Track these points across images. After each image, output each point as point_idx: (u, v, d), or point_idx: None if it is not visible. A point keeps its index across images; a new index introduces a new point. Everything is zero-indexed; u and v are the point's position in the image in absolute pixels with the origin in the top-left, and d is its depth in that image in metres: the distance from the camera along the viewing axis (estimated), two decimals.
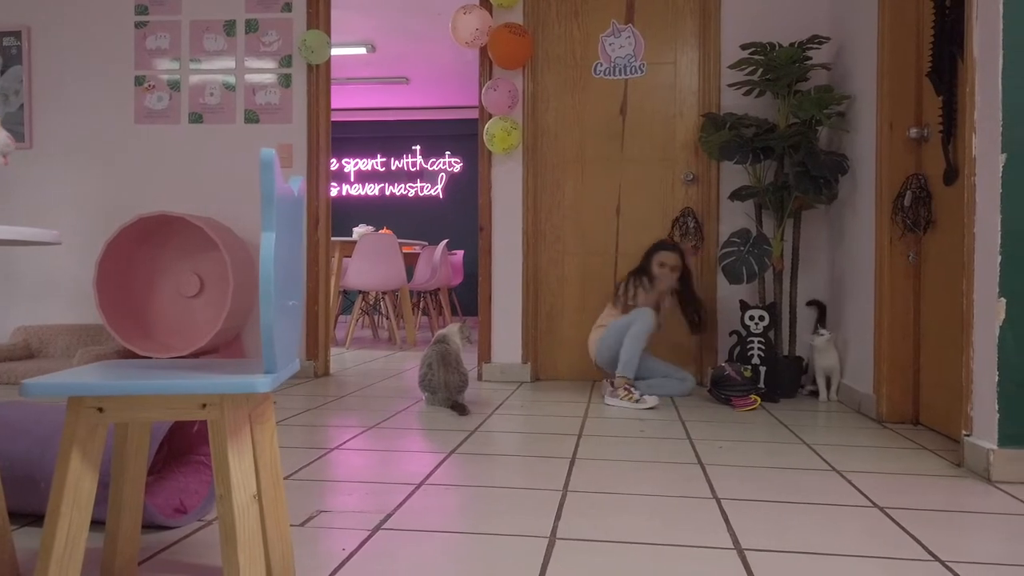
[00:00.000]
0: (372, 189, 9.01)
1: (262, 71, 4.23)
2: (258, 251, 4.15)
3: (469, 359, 3.92)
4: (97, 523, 1.63)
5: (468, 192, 8.83)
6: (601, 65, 4.06)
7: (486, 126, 3.97)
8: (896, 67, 2.98)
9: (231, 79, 4.25)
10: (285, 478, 2.09)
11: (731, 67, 3.69)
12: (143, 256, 3.94)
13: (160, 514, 1.63)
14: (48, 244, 1.43)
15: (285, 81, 4.22)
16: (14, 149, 1.37)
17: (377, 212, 8.85)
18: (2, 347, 3.90)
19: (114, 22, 4.30)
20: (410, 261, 6.48)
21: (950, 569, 1.45)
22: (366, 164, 9.02)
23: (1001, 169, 2.09)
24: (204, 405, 1.15)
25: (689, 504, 1.86)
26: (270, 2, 4.23)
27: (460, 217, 8.84)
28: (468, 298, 8.59)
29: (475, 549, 1.56)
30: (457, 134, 8.84)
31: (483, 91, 3.99)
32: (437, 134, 8.91)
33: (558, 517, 1.75)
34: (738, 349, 3.39)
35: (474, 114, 8.68)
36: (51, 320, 4.25)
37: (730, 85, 3.75)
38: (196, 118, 4.27)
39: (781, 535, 1.64)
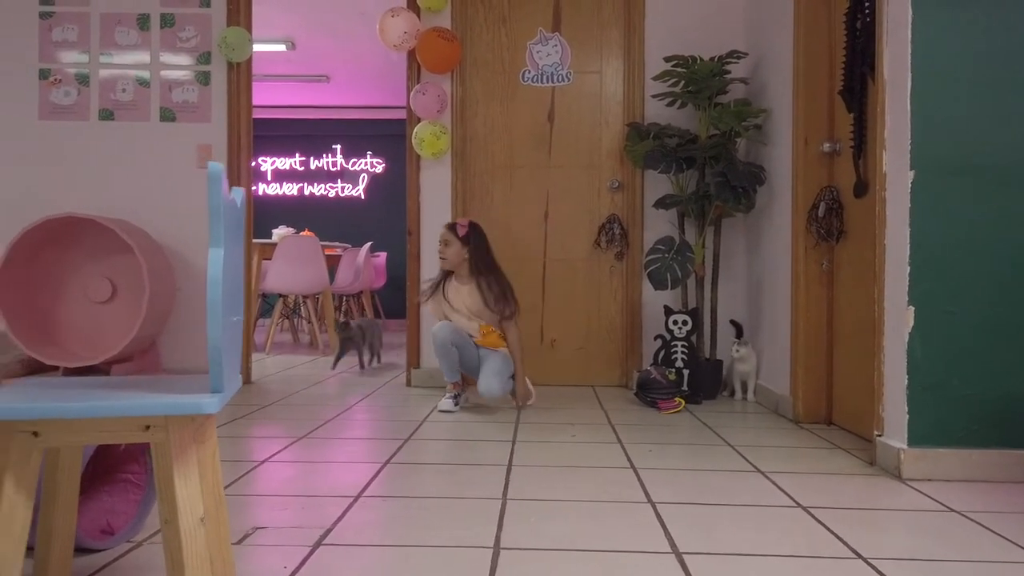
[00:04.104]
0: (291, 189, 8.79)
1: (179, 67, 4.07)
2: (175, 255, 3.99)
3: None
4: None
5: (390, 193, 8.74)
6: (529, 72, 4.10)
7: (415, 130, 3.95)
8: (810, 84, 3.14)
9: (145, 74, 4.06)
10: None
11: (655, 78, 3.79)
12: (48, 259, 3.72)
13: (87, 537, 1.55)
14: None
15: (203, 79, 4.07)
16: None
17: (296, 212, 8.64)
18: None
19: (15, 11, 4.04)
20: (331, 263, 6.36)
21: (873, 567, 1.54)
22: (284, 163, 8.80)
23: (910, 185, 2.23)
24: (148, 427, 1.11)
25: (626, 509, 1.91)
26: None
27: (382, 218, 8.74)
28: (390, 301, 8.50)
29: (421, 562, 1.55)
30: (379, 134, 8.73)
31: (411, 95, 3.96)
32: (359, 134, 8.78)
33: (500, 526, 1.77)
34: (663, 353, 3.49)
35: (397, 115, 8.60)
36: None
37: (654, 96, 3.85)
38: (107, 115, 4.06)
39: (715, 537, 1.70)
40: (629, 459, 2.42)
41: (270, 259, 5.54)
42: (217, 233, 1.13)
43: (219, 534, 1.31)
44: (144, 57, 4.06)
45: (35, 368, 3.67)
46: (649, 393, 3.33)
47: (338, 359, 4.68)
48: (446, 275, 3.44)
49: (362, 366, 4.66)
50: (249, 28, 4.11)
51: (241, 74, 4.09)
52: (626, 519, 1.83)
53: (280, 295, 5.84)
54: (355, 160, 8.83)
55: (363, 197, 8.85)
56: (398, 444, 2.63)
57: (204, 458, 1.29)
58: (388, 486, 2.11)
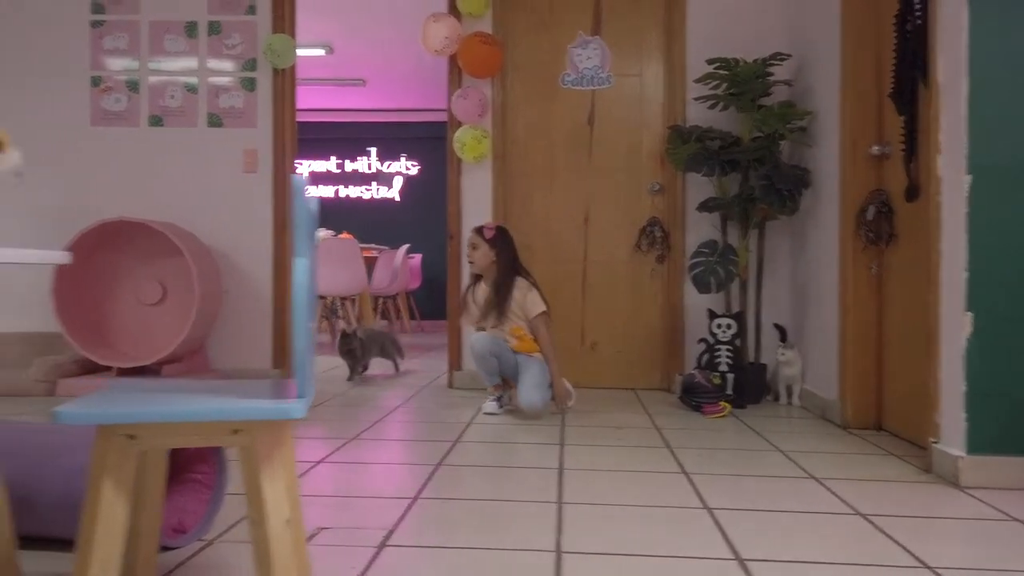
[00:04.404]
0: (326, 191, 8.89)
1: (225, 74, 4.15)
2: (221, 258, 4.06)
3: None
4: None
5: (424, 195, 8.80)
6: (569, 75, 4.12)
7: (456, 134, 3.98)
8: (858, 86, 3.11)
9: (193, 81, 4.15)
10: None
11: (697, 81, 3.78)
12: (102, 262, 3.82)
13: (162, 535, 1.60)
14: (57, 264, 1.39)
15: (249, 84, 4.15)
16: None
17: (331, 214, 8.73)
18: None
19: (69, 21, 4.15)
20: (367, 264, 6.43)
21: None
22: (320, 166, 8.90)
23: (967, 190, 2.21)
24: (236, 431, 1.14)
25: (683, 514, 1.92)
26: (234, 4, 4.15)
27: (417, 220, 8.80)
28: (426, 302, 8.56)
29: (487, 565, 1.57)
30: (414, 137, 8.79)
31: (453, 99, 4.00)
32: (393, 136, 8.85)
33: (559, 530, 1.78)
34: (707, 357, 3.48)
35: (432, 117, 8.65)
36: (2, 329, 4.07)
37: (696, 98, 3.84)
38: (156, 121, 4.15)
39: (776, 544, 1.70)
40: (680, 464, 2.43)
41: None
42: (302, 243, 1.16)
43: (297, 535, 1.34)
44: (192, 64, 4.15)
45: (89, 368, 3.77)
46: (694, 397, 3.32)
47: (353, 372, 4.28)
48: (476, 279, 3.46)
49: (350, 378, 4.25)
50: (293, 34, 4.18)
51: (286, 80, 4.16)
52: (684, 524, 1.83)
53: (319, 296, 5.92)
54: (390, 162, 8.91)
55: (398, 199, 8.91)
56: (447, 446, 2.66)
57: (284, 461, 1.32)
58: (443, 488, 2.14)
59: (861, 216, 3.03)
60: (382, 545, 1.69)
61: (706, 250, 3.50)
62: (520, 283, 3.33)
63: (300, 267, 1.16)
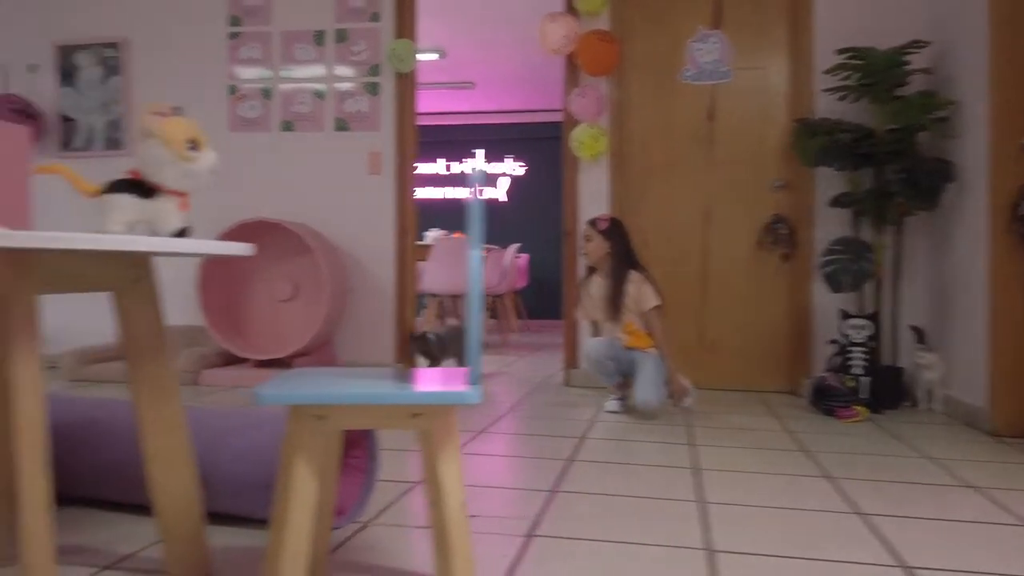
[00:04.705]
0: (434, 192, 9.09)
1: (350, 79, 4.31)
2: (346, 257, 4.22)
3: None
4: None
5: (531, 195, 8.86)
6: (688, 71, 4.05)
7: (573, 132, 3.99)
8: (1008, 75, 2.92)
9: (321, 87, 4.34)
10: (419, 483, 2.13)
11: (827, 72, 3.64)
12: (239, 260, 4.05)
13: None
14: (241, 255, 1.48)
15: (372, 89, 4.29)
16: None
17: (440, 215, 8.93)
18: (114, 347, 4.04)
19: (208, 33, 4.42)
20: None
21: None
22: (429, 168, 9.11)
23: None
24: (415, 415, 1.19)
25: (833, 519, 1.85)
26: (359, 12, 4.31)
27: (523, 220, 8.87)
28: (532, 301, 8.61)
29: (639, 559, 1.57)
30: (520, 138, 8.87)
31: (570, 97, 4.01)
32: (499, 138, 8.96)
33: (707, 528, 1.76)
34: (839, 359, 3.34)
35: (539, 118, 8.72)
36: None
37: (825, 90, 3.70)
38: (287, 126, 4.37)
39: (943, 554, 1.62)
40: (821, 467, 2.34)
41: (423, 260, 5.76)
42: (476, 236, 1.20)
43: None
44: (320, 71, 4.34)
45: (228, 360, 4.00)
46: (825, 401, 3.20)
47: None
48: (590, 272, 3.46)
49: None
50: (414, 39, 4.30)
51: (407, 84, 4.28)
52: (837, 529, 1.77)
53: (433, 295, 6.06)
54: (496, 163, 9.02)
55: (505, 199, 9.01)
56: (573, 443, 2.66)
57: (456, 446, 1.36)
58: (579, 483, 2.15)
59: (1013, 211, 2.84)
60: (529, 534, 1.71)
61: (839, 247, 3.36)
62: (634, 276, 3.30)
63: (476, 259, 1.19)
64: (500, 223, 8.89)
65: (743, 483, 2.16)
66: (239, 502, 1.72)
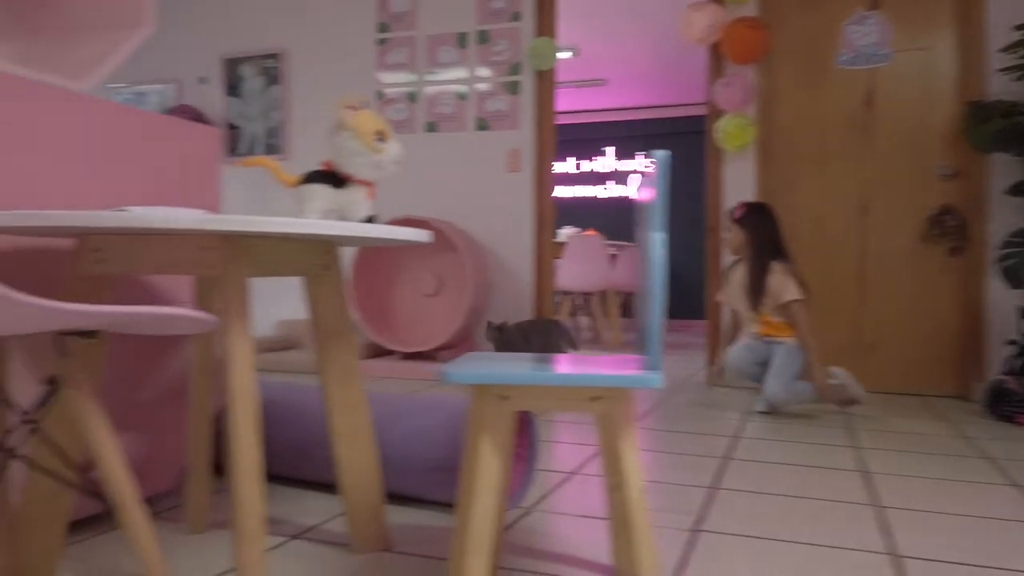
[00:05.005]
0: (564, 191, 9.12)
1: (491, 79, 4.39)
2: (488, 253, 4.31)
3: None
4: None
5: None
6: (844, 55, 3.84)
7: (719, 123, 3.88)
8: None
9: (463, 88, 4.45)
10: (579, 473, 2.14)
11: (1002, 51, 3.35)
12: (387, 257, 4.22)
13: None
14: (420, 243, 1.54)
15: (512, 88, 4.35)
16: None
17: (571, 212, 8.95)
18: (269, 339, 4.32)
19: (359, 40, 4.64)
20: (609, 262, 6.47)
21: None
22: (559, 167, 9.14)
23: None
24: (595, 398, 1.19)
25: None
26: (500, 13, 4.38)
27: None
28: (669, 302, 8.46)
29: (816, 561, 1.50)
30: (652, 134, 8.74)
31: (715, 87, 3.90)
32: (630, 134, 8.86)
33: (888, 533, 1.65)
34: (1019, 361, 3.06)
35: (672, 113, 8.56)
36: (300, 315, 4.65)
37: (1000, 70, 3.41)
38: (431, 127, 4.51)
39: None
40: (1006, 476, 2.15)
41: (558, 258, 5.78)
42: (662, 218, 1.18)
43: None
44: (462, 73, 4.45)
45: (376, 352, 4.18)
46: (1005, 406, 2.94)
47: None
48: (736, 260, 3.36)
49: None
50: (554, 37, 4.32)
51: (546, 81, 4.31)
52: None
53: (566, 292, 6.07)
54: (627, 161, 8.93)
55: (636, 197, 8.89)
56: (726, 441, 2.59)
57: (634, 431, 1.36)
58: (739, 480, 2.08)
59: None
60: (695, 529, 1.68)
61: (1019, 239, 3.08)
62: (776, 267, 3.16)
63: (659, 241, 1.17)
64: (632, 221, 8.80)
65: (919, 488, 2.02)
66: (406, 483, 1.79)
